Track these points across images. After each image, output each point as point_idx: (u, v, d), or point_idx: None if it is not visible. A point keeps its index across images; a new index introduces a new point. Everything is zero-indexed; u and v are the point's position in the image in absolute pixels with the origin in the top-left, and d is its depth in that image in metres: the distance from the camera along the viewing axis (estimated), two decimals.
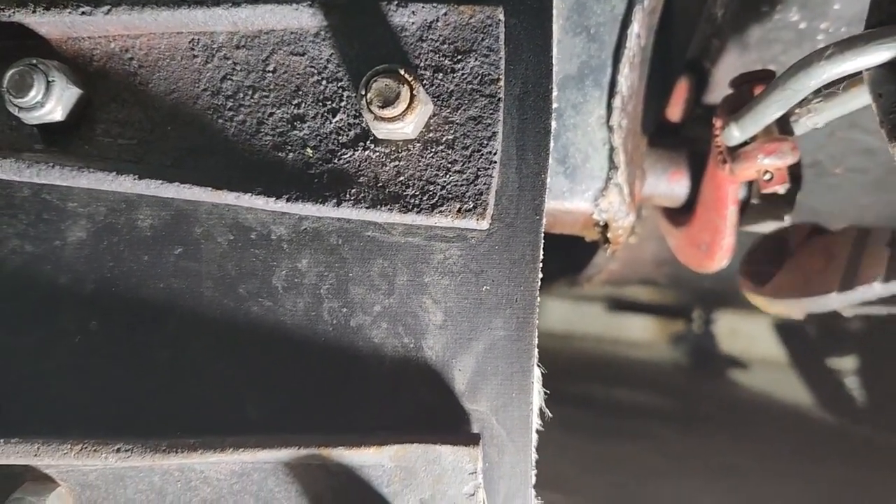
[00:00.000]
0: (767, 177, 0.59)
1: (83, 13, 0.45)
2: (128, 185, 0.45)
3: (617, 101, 0.62)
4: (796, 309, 0.57)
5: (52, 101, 0.45)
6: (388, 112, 0.42)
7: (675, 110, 0.73)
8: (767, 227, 0.68)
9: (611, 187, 0.65)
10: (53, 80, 0.44)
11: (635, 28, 0.60)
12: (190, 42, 0.47)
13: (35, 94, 0.44)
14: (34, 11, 0.46)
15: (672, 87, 0.72)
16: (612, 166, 0.63)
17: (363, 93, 0.43)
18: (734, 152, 0.60)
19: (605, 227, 0.70)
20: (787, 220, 0.66)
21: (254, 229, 0.48)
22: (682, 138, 0.73)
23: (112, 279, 0.48)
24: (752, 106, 0.53)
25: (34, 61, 0.44)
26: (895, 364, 1.92)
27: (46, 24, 0.46)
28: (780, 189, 0.60)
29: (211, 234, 0.48)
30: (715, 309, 2.48)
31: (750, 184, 0.65)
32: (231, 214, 0.48)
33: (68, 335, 0.49)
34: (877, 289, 0.56)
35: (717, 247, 0.67)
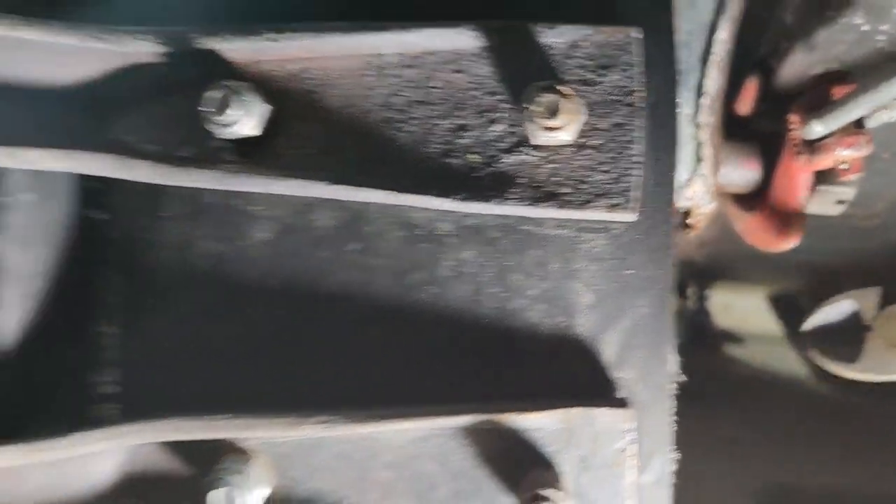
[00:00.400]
0: (845, 166, 0.67)
1: (269, 39, 0.52)
2: (319, 191, 0.51)
3: (705, 101, 0.69)
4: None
5: (245, 118, 0.51)
6: (550, 122, 0.49)
7: (744, 105, 0.80)
8: (832, 209, 0.76)
9: (696, 178, 0.72)
10: (246, 100, 0.51)
11: (721, 35, 0.67)
12: (362, 64, 0.53)
13: (232, 113, 0.50)
14: (225, 39, 0.52)
15: (741, 84, 0.79)
16: (699, 159, 0.71)
17: (526, 105, 0.49)
18: (813, 145, 0.67)
19: (687, 213, 0.77)
20: (846, 205, 0.74)
21: (421, 226, 0.55)
22: (752, 130, 0.80)
23: (295, 273, 0.55)
24: (839, 105, 0.61)
25: (229, 83, 0.51)
26: None
27: (236, 50, 0.52)
28: (856, 177, 0.67)
29: (382, 231, 0.55)
30: (709, 285, 2.56)
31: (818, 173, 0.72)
32: (400, 213, 0.55)
33: (257, 324, 0.55)
34: None
35: (790, 230, 0.75)
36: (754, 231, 0.81)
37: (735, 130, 0.80)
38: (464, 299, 0.54)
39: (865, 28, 0.71)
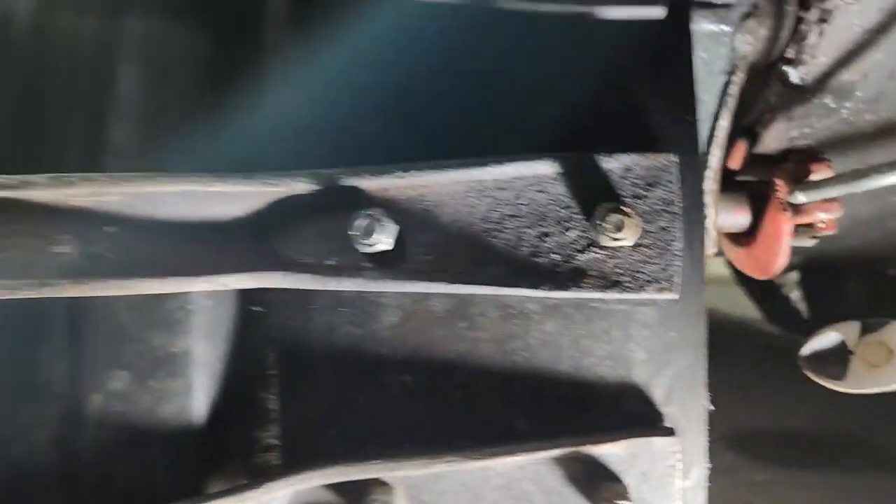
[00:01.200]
0: (822, 224, 0.86)
1: (398, 176, 0.67)
2: (440, 288, 0.68)
3: (709, 173, 0.86)
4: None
5: (384, 237, 0.66)
6: (618, 234, 0.66)
7: (734, 161, 0.98)
8: (807, 242, 0.95)
9: None
10: (384, 224, 0.66)
11: (723, 122, 0.85)
12: (467, 188, 0.69)
13: (376, 237, 0.66)
14: (365, 178, 0.67)
15: (732, 145, 0.97)
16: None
17: (599, 222, 0.66)
18: (796, 206, 0.86)
19: None
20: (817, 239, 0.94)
21: (514, 306, 0.71)
22: (740, 182, 0.99)
23: (417, 347, 0.71)
24: (823, 185, 0.79)
25: (371, 212, 0.66)
26: (833, 283, 2.25)
27: (372, 184, 0.67)
28: (831, 231, 0.86)
29: (484, 311, 0.72)
30: None
31: None
32: (498, 298, 0.71)
33: (389, 387, 0.72)
34: None
35: (774, 265, 0.94)
36: (744, 262, 1.00)
37: (727, 182, 0.98)
38: (549, 360, 0.71)
39: (833, 105, 0.90)
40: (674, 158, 0.68)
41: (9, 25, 0.69)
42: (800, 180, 0.84)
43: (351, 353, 0.72)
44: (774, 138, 0.93)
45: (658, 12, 0.70)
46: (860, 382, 0.78)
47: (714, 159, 0.86)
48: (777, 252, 0.92)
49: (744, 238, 0.98)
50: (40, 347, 0.66)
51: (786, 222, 0.89)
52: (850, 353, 0.80)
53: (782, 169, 0.87)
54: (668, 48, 0.71)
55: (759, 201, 0.95)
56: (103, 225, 0.63)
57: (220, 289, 0.64)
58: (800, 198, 0.83)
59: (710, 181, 0.87)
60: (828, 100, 0.89)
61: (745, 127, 0.95)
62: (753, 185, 0.97)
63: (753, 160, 0.97)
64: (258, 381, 0.72)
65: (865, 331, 0.79)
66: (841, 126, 0.92)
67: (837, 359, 0.81)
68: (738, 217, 0.97)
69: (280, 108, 0.70)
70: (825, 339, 0.81)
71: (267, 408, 0.72)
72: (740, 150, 0.96)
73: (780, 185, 0.87)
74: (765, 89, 0.89)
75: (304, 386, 0.72)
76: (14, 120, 0.68)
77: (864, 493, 2.30)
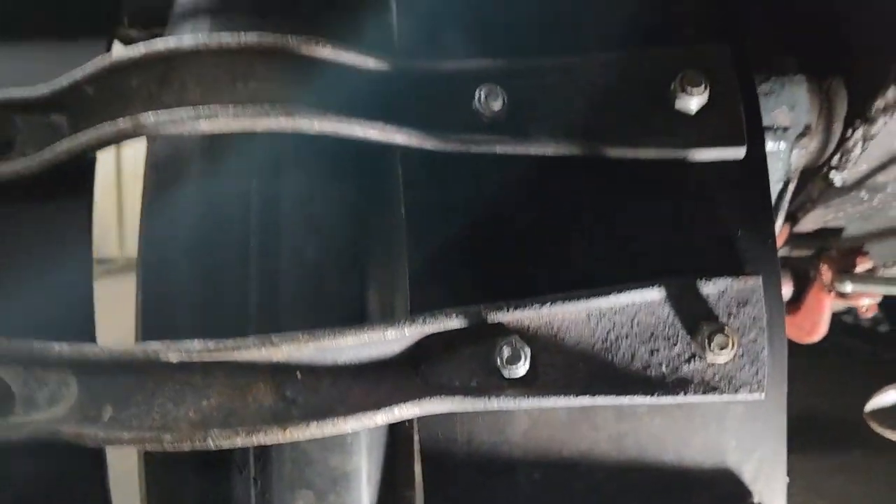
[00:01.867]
0: (864, 309, 1.00)
1: (534, 309, 0.78)
2: (568, 402, 0.79)
3: None
4: None
5: (523, 363, 0.78)
6: (721, 352, 0.78)
7: (779, 241, 1.11)
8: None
9: None
10: (523, 351, 0.78)
11: (778, 222, 0.98)
12: (588, 314, 0.80)
13: (520, 364, 0.77)
14: (506, 312, 0.78)
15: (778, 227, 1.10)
16: None
17: (704, 342, 0.78)
18: (842, 292, 0.99)
19: None
20: None
21: (626, 408, 0.83)
22: (784, 258, 1.12)
23: (545, 448, 0.83)
24: (871, 281, 0.93)
25: (514, 341, 0.77)
26: None
27: (512, 317, 0.78)
28: (872, 314, 1.00)
29: (602, 414, 0.84)
30: None
31: None
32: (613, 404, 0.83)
33: (522, 485, 0.83)
34: None
35: (816, 333, 1.08)
36: (787, 327, 1.13)
37: None
38: (656, 451, 0.84)
39: (865, 198, 1.03)
40: (759, 281, 0.81)
41: (182, 190, 0.78)
42: (844, 269, 0.97)
43: (488, 456, 0.83)
44: (813, 221, 1.07)
45: (740, 153, 0.81)
46: None
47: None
48: (818, 322, 1.06)
49: (788, 306, 1.12)
50: (234, 476, 0.76)
51: (828, 300, 1.02)
52: None
53: (828, 257, 1.00)
54: (749, 180, 0.83)
55: (799, 277, 1.09)
56: (294, 373, 0.73)
57: (394, 420, 0.75)
58: (847, 287, 0.96)
59: None
60: (862, 194, 1.02)
61: (789, 213, 1.09)
62: (794, 261, 1.10)
63: (792, 237, 1.10)
64: (405, 482, 0.83)
65: None
66: (869, 211, 1.06)
67: None
68: (782, 290, 1.10)
69: (422, 248, 0.80)
70: (888, 397, 0.95)
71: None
72: (784, 231, 1.09)
73: (826, 271, 1.00)
74: (809, 185, 1.02)
75: (447, 487, 0.83)
76: (195, 276, 0.77)
77: (848, 474, 2.48)
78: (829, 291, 1.01)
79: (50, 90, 0.79)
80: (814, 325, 1.06)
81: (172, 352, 0.69)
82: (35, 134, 0.79)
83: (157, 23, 0.97)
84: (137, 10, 1.01)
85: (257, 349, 0.70)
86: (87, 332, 0.78)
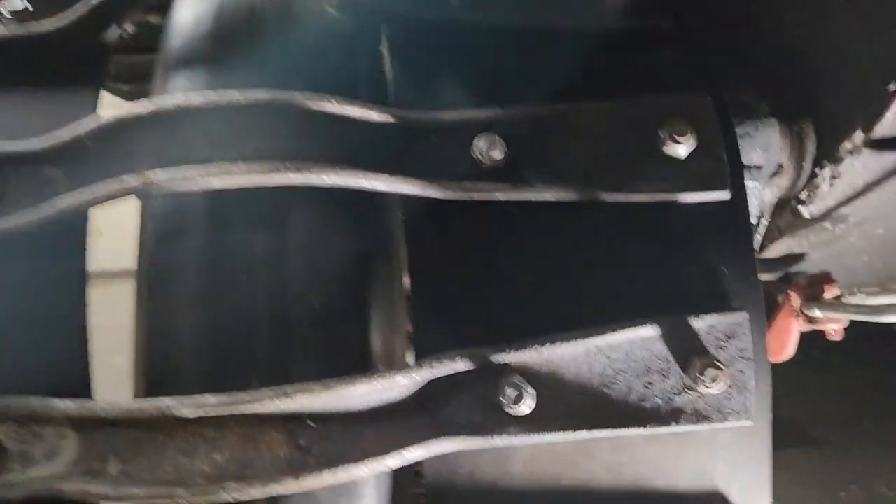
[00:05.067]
0: (833, 331, 1.06)
1: (535, 349, 0.81)
2: (569, 437, 0.82)
3: None
4: None
5: (528, 402, 0.81)
6: (711, 384, 0.82)
7: None
8: None
9: None
10: (527, 392, 0.80)
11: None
12: (586, 351, 0.84)
13: (524, 403, 0.80)
14: (509, 353, 0.81)
15: None
16: None
17: (697, 375, 0.82)
18: (809, 317, 1.05)
19: None
20: None
21: (622, 438, 0.87)
22: None
23: (545, 478, 0.86)
24: (839, 308, 0.99)
25: (517, 381, 0.80)
26: None
27: (515, 358, 0.81)
28: (839, 338, 1.07)
29: (599, 445, 0.87)
30: None
31: None
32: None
33: None
34: None
35: (783, 353, 1.14)
36: None
37: None
38: (650, 478, 0.88)
39: (829, 228, 1.10)
40: (745, 315, 0.85)
41: (187, 241, 0.78)
42: (813, 297, 1.03)
43: (490, 490, 0.85)
44: (778, 249, 1.13)
45: (725, 195, 0.86)
46: None
47: None
48: (786, 344, 1.12)
49: None
50: None
51: (796, 325, 1.08)
52: None
53: (797, 284, 1.06)
54: (733, 220, 0.88)
55: (767, 298, 1.15)
56: (306, 421, 0.74)
57: (404, 463, 0.77)
58: (816, 313, 1.02)
59: None
60: (826, 224, 1.09)
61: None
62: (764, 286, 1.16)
63: (763, 267, 1.16)
64: None
65: None
66: (831, 239, 1.13)
67: None
68: None
69: (425, 292, 0.83)
70: None
71: None
72: None
73: (794, 297, 1.06)
74: (777, 218, 1.08)
75: None
76: (201, 327, 0.77)
77: (791, 472, 2.58)
78: (797, 316, 1.07)
79: (47, 144, 0.78)
80: (781, 347, 1.12)
81: (187, 407, 0.70)
82: (27, 188, 0.78)
83: (140, 77, 0.98)
84: (124, 65, 1.01)
85: (271, 401, 0.71)
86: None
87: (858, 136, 0.90)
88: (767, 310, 1.16)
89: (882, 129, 0.87)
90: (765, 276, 1.22)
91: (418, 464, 0.85)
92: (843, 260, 1.20)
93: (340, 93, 0.81)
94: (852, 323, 1.05)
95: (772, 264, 1.15)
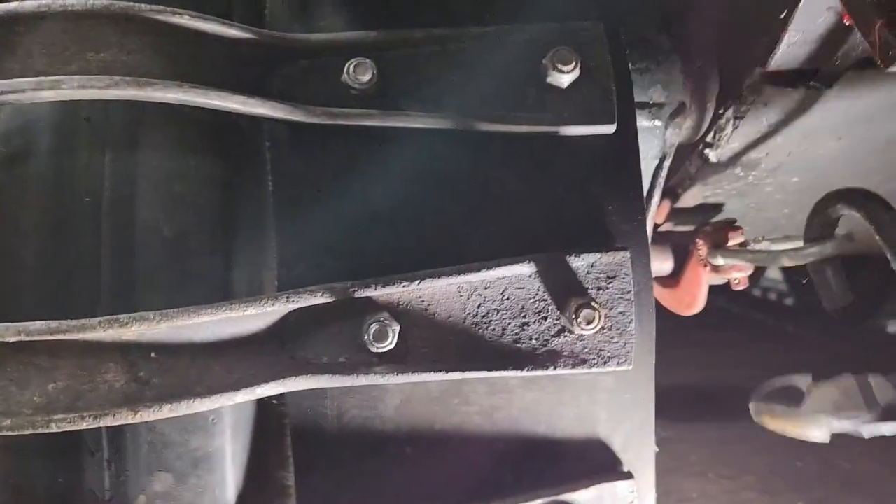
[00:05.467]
0: (736, 281, 1.03)
1: (403, 285, 0.77)
2: (439, 377, 0.79)
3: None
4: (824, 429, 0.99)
5: (392, 339, 0.77)
6: (588, 326, 0.79)
7: (659, 216, 1.13)
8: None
9: None
10: (392, 328, 0.77)
11: (655, 199, 0.99)
12: (458, 289, 0.80)
13: (387, 341, 0.76)
14: (374, 289, 0.77)
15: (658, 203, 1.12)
16: None
17: (572, 315, 0.79)
18: (714, 266, 1.02)
19: None
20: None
21: (499, 382, 0.84)
22: (664, 233, 1.15)
23: (417, 423, 0.83)
24: (739, 255, 0.95)
25: (382, 318, 0.76)
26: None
27: (381, 293, 0.77)
28: (744, 286, 1.03)
29: (475, 388, 0.84)
30: None
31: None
32: (484, 378, 0.83)
33: (394, 458, 0.83)
34: None
35: (694, 306, 1.11)
36: (668, 300, 1.16)
37: (654, 234, 1.14)
38: (528, 424, 0.85)
39: (741, 174, 1.06)
40: (627, 255, 0.82)
41: (31, 164, 0.74)
42: (718, 244, 1.00)
43: (359, 431, 0.82)
44: (692, 198, 1.09)
45: (610, 129, 0.82)
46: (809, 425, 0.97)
47: (647, 228, 1.00)
48: (696, 296, 1.09)
49: (668, 281, 1.15)
50: (85, 460, 0.73)
51: (704, 275, 1.05)
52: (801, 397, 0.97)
53: (703, 232, 1.03)
54: (620, 156, 0.84)
55: (680, 250, 1.12)
56: (148, 352, 0.70)
57: (255, 398, 0.73)
58: (719, 260, 0.99)
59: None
60: (738, 170, 1.05)
61: (669, 188, 1.11)
62: (676, 236, 1.13)
63: (674, 212, 1.13)
64: (276, 462, 0.82)
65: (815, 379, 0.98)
66: (745, 188, 1.09)
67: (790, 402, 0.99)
68: (663, 265, 1.13)
69: (290, 223, 0.78)
70: (777, 384, 0.99)
71: (285, 484, 0.82)
72: (665, 207, 1.12)
73: (701, 245, 1.03)
74: (687, 163, 1.05)
75: (317, 462, 0.82)
76: (45, 253, 0.73)
77: (749, 443, 2.59)
78: (705, 266, 1.03)
79: None
80: (692, 299, 1.09)
81: (10, 333, 0.66)
82: None
83: None
84: None
85: (104, 329, 0.67)
86: None
87: (757, 70, 0.86)
88: (679, 262, 1.14)
89: (778, 61, 0.82)
90: (683, 227, 1.19)
91: (282, 402, 0.82)
92: (764, 212, 1.17)
93: (213, 10, 0.77)
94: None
95: (688, 214, 1.12)
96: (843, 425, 0.98)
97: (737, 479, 2.59)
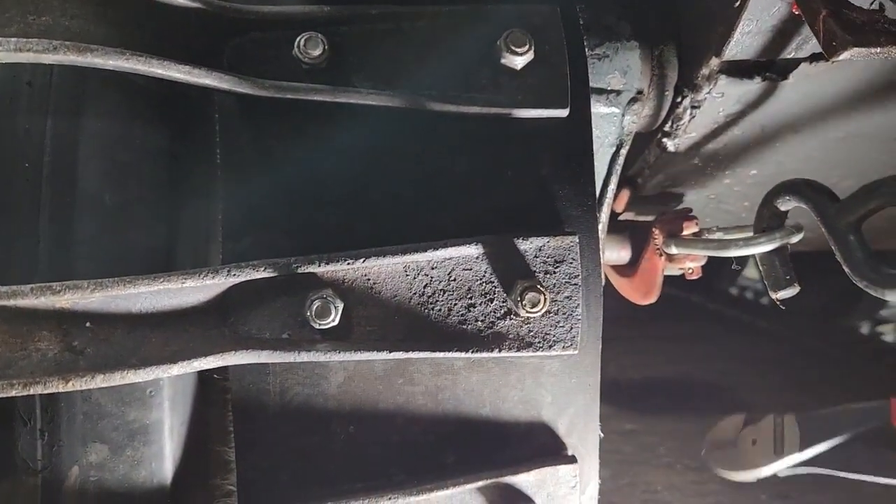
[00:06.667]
0: (690, 271, 1.03)
1: (347, 262, 0.77)
2: (382, 356, 0.79)
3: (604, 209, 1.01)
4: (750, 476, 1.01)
5: (335, 316, 0.77)
6: (533, 309, 0.79)
7: (619, 205, 1.13)
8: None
9: None
10: (335, 305, 0.77)
11: (612, 185, 0.99)
12: (405, 268, 0.80)
13: (330, 317, 0.76)
14: (317, 265, 0.76)
15: (617, 192, 1.12)
16: None
17: (518, 299, 0.79)
18: (669, 255, 1.02)
19: None
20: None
21: (444, 364, 0.84)
22: (622, 222, 1.15)
23: (361, 401, 0.82)
24: (692, 244, 0.95)
25: (325, 294, 0.76)
26: None
27: (324, 270, 0.77)
28: (697, 276, 1.04)
29: (419, 369, 0.83)
30: None
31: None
32: (429, 359, 0.83)
33: (336, 436, 0.83)
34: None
35: (651, 295, 1.11)
36: (626, 289, 1.16)
37: (612, 222, 1.14)
38: (473, 406, 0.85)
39: (699, 164, 1.07)
40: (575, 239, 0.82)
41: None
42: (673, 233, 1.00)
43: (302, 408, 0.82)
44: (652, 187, 1.09)
45: (562, 112, 0.82)
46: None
47: (603, 215, 1.00)
48: (653, 285, 1.09)
49: (626, 269, 1.15)
50: (18, 428, 0.72)
51: (660, 264, 1.05)
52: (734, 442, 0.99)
53: (660, 221, 1.03)
54: (572, 140, 0.83)
55: (637, 240, 1.12)
56: (83, 322, 0.69)
57: (192, 371, 0.73)
58: (673, 249, 0.99)
59: (600, 233, 1.01)
60: (696, 161, 1.05)
61: (629, 177, 1.11)
62: (634, 225, 1.13)
63: (636, 201, 1.13)
64: (217, 437, 0.81)
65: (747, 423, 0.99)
66: (704, 179, 1.09)
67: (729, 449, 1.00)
68: (621, 253, 1.13)
69: (238, 197, 0.78)
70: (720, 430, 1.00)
71: (225, 459, 0.82)
72: (624, 196, 1.12)
73: (657, 235, 1.03)
74: (645, 152, 1.05)
75: (258, 439, 0.82)
76: None
77: None
78: (661, 255, 1.04)
79: None
80: (649, 288, 1.09)
81: None
82: None
83: None
84: None
85: (36, 296, 0.66)
86: None
87: (713, 60, 0.86)
88: (638, 251, 1.14)
89: (732, 50, 0.82)
90: (643, 217, 1.19)
91: (225, 377, 0.81)
92: (724, 204, 1.17)
93: None
94: None
95: (649, 203, 1.12)
96: (765, 472, 1.01)
97: (703, 472, 2.62)
